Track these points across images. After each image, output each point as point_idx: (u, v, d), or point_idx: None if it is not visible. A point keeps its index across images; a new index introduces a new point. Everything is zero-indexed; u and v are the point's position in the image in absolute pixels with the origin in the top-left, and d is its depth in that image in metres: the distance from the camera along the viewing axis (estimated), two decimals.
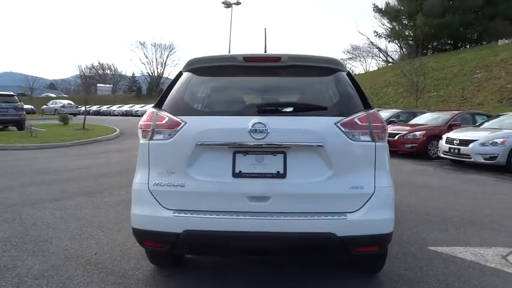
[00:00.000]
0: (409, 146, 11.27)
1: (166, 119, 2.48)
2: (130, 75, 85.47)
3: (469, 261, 3.44)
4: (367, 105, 2.54)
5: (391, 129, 12.14)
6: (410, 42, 41.60)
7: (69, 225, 4.29)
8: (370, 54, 47.60)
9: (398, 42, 44.29)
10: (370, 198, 2.38)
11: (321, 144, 2.36)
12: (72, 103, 39.80)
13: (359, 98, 2.57)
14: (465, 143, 9.36)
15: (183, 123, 2.43)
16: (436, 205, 5.58)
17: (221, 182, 2.36)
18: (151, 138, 2.48)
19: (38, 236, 3.90)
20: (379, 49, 46.25)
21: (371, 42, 45.10)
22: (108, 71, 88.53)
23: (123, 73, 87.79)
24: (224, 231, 2.30)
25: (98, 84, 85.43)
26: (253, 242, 2.33)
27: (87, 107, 22.27)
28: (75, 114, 31.32)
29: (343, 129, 2.39)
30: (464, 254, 3.62)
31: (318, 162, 2.38)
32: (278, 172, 2.36)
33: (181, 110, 2.52)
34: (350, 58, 47.56)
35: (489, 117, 11.82)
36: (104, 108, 51.87)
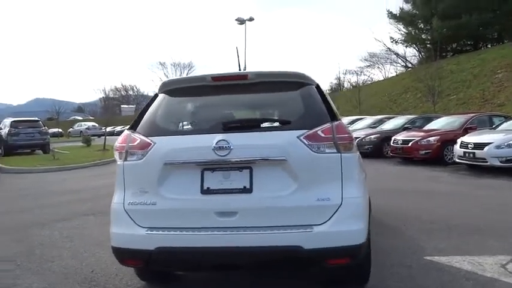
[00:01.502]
0: (423, 152, 11.05)
1: (138, 141, 2.59)
2: (152, 95, 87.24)
3: (465, 271, 3.35)
4: (333, 117, 2.57)
5: (404, 135, 11.98)
6: (428, 46, 40.90)
7: (73, 244, 4.45)
8: (388, 61, 47.03)
9: (416, 46, 43.56)
10: (337, 209, 2.39)
11: (283, 158, 2.41)
12: (97, 125, 41.05)
13: (326, 111, 2.59)
14: (480, 146, 9.10)
15: (152, 144, 2.53)
16: (442, 212, 5.46)
17: (190, 199, 2.44)
18: (125, 159, 2.60)
19: (42, 255, 4.07)
20: (397, 55, 45.63)
21: (388, 48, 44.56)
22: (131, 92, 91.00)
23: (145, 93, 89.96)
24: (194, 247, 2.36)
25: (122, 105, 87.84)
26: (223, 257, 2.38)
27: (112, 127, 22.99)
28: (99, 136, 32.28)
29: (306, 142, 2.42)
30: (461, 263, 3.53)
31: (283, 176, 2.42)
32: (244, 187, 2.41)
33: (153, 131, 2.62)
34: (368, 66, 47.08)
35: (506, 118, 11.48)
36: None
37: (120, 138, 2.70)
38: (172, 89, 2.85)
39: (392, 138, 12.24)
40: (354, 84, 45.91)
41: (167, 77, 77.85)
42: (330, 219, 2.37)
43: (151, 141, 2.55)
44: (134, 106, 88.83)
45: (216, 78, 2.72)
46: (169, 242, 2.39)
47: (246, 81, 2.70)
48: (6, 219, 5.76)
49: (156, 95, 2.90)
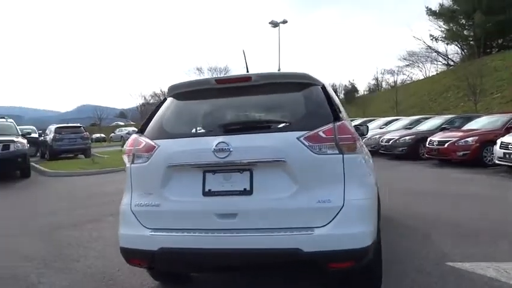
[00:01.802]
0: (460, 153, 10.54)
1: (144, 144, 2.66)
2: None
3: (488, 278, 3.18)
4: (337, 118, 2.52)
5: (440, 136, 11.50)
6: (471, 42, 39.01)
7: (99, 244, 4.64)
8: (428, 59, 45.27)
9: (458, 43, 41.65)
10: (339, 212, 2.33)
11: (283, 159, 2.39)
12: (136, 130, 42.38)
13: (329, 111, 2.55)
14: None
15: (156, 147, 2.60)
16: (472, 216, 5.20)
17: (192, 201, 2.48)
18: (132, 162, 2.69)
19: (70, 254, 4.28)
20: (438, 53, 43.81)
21: (428, 46, 42.88)
22: None
23: None
24: (196, 249, 2.39)
25: None
26: (223, 258, 2.40)
27: None
28: None
29: (307, 144, 2.38)
30: (485, 270, 3.35)
31: (283, 177, 2.40)
32: (245, 189, 2.42)
33: (158, 134, 2.70)
34: (407, 65, 45.54)
35: None
36: None
37: (128, 142, 2.79)
38: (179, 92, 2.92)
39: (428, 139, 11.77)
40: (392, 84, 44.71)
41: None
42: (331, 221, 2.31)
43: (155, 144, 2.62)
44: None
45: (220, 80, 2.76)
46: (171, 243, 2.44)
47: (249, 83, 2.72)
48: (41, 220, 6.09)
49: (164, 99, 2.98)
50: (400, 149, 12.95)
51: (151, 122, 2.82)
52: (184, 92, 2.91)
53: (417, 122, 15.49)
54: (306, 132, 2.41)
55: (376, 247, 2.64)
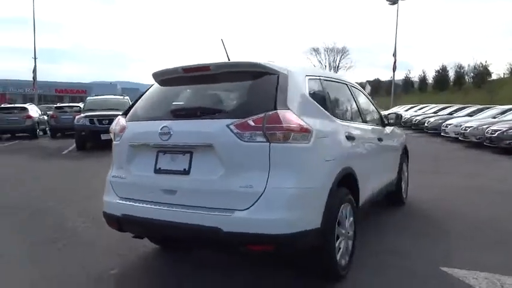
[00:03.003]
0: None
1: (120, 125, 3.12)
2: None
3: None
4: (282, 106, 2.59)
5: None
6: None
7: None
8: None
9: None
10: (259, 197, 2.46)
11: (211, 144, 2.59)
12: None
13: (273, 100, 2.62)
14: None
15: (126, 128, 3.04)
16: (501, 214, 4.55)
17: (146, 176, 2.87)
18: (114, 140, 3.18)
19: None
20: None
21: None
22: None
23: None
24: (145, 218, 2.79)
25: None
26: (163, 229, 2.76)
27: None
28: None
29: (235, 131, 2.53)
30: (479, 280, 3.04)
31: (215, 161, 2.60)
32: (184, 169, 2.70)
33: (131, 117, 3.13)
34: None
35: None
36: None
37: (113, 122, 3.28)
38: (158, 80, 3.28)
39: None
40: None
41: (320, 63, 78.55)
42: (251, 206, 2.46)
43: (126, 125, 3.07)
44: None
45: (186, 69, 3.03)
46: (129, 210, 2.89)
47: (209, 72, 2.94)
48: None
49: (152, 85, 3.39)
50: (508, 141, 11.30)
51: (134, 105, 3.27)
52: (161, 80, 3.26)
53: None
54: (236, 120, 2.56)
55: (321, 235, 2.70)
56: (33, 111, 19.25)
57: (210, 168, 2.62)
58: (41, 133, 19.36)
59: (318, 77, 3.35)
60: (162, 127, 2.77)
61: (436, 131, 17.39)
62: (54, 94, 50.55)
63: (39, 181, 7.69)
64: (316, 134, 2.74)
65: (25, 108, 18.57)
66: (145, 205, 2.82)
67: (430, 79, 51.41)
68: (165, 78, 3.23)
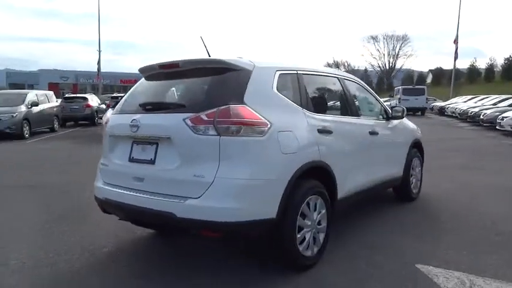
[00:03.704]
0: None
1: (107, 117, 3.45)
2: (363, 70, 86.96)
3: (437, 286, 2.86)
4: (238, 101, 2.73)
5: None
6: None
7: None
8: None
9: None
10: (209, 187, 2.63)
11: (169, 136, 2.82)
12: None
13: (230, 95, 2.77)
14: None
15: (109, 120, 3.35)
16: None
17: (123, 164, 3.15)
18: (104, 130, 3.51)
19: None
20: None
21: None
22: (342, 68, 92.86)
23: (355, 68, 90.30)
24: (119, 202, 3.09)
25: None
26: (133, 213, 3.02)
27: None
28: None
29: (190, 124, 2.72)
30: (450, 279, 2.97)
31: (173, 152, 2.82)
32: (151, 159, 2.95)
33: (115, 110, 3.44)
34: None
35: None
36: None
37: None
38: (145, 75, 3.54)
39: None
40: None
41: (379, 51, 75.52)
42: (202, 194, 2.65)
43: (110, 117, 3.37)
44: None
45: (160, 66, 3.28)
46: (109, 195, 3.20)
47: (178, 69, 3.16)
48: None
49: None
50: None
51: (121, 99, 3.57)
52: (146, 75, 3.53)
53: None
54: (192, 114, 2.75)
55: (277, 226, 2.82)
56: (93, 100, 21.02)
57: (170, 159, 2.84)
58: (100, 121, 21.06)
59: (294, 72, 3.40)
60: (132, 120, 3.05)
61: (492, 124, 16.17)
62: (119, 84, 53.93)
63: (79, 165, 8.43)
64: (275, 127, 2.83)
65: (85, 98, 20.31)
66: (120, 190, 3.11)
67: (498, 67, 47.46)
68: (148, 74, 3.49)
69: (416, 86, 31.39)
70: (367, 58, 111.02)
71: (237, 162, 2.68)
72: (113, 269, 3.24)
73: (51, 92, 18.09)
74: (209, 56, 3.48)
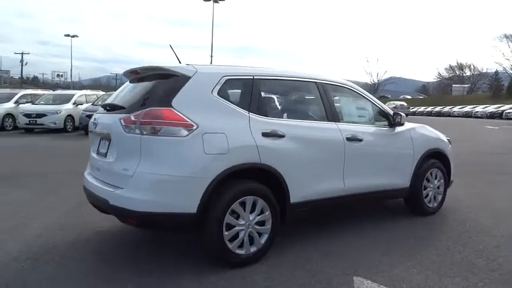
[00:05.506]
0: None
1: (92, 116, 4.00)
2: (493, 72, 76.90)
3: None
4: (167, 104, 3.01)
5: None
6: None
7: None
8: None
9: None
10: (130, 179, 2.99)
11: (109, 133, 3.27)
12: (405, 104, 42.33)
13: (161, 98, 3.08)
14: None
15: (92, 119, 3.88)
16: None
17: (93, 157, 3.68)
18: None
19: None
20: None
21: None
22: (468, 71, 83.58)
23: (483, 70, 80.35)
24: (87, 189, 3.58)
25: (454, 85, 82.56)
26: (91, 198, 3.50)
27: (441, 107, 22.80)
28: (406, 115, 33.18)
29: (123, 124, 3.10)
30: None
31: (113, 147, 3.26)
32: (105, 153, 3.39)
33: (98, 110, 3.98)
34: None
35: None
36: (446, 109, 51.31)
37: None
38: (128, 79, 3.94)
39: None
40: None
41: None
42: (126, 186, 3.02)
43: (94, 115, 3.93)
44: (467, 86, 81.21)
45: (129, 72, 3.73)
46: (85, 182, 3.67)
47: (138, 75, 3.61)
48: None
49: None
50: None
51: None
52: (128, 79, 3.94)
53: None
54: (125, 115, 3.15)
55: (198, 221, 3.01)
56: None
57: (112, 153, 3.30)
58: None
59: (250, 77, 3.50)
60: (94, 118, 3.63)
61: None
62: None
63: None
64: (201, 129, 3.03)
65: None
66: (89, 179, 3.64)
67: None
68: (128, 78, 3.99)
69: None
70: (498, 59, 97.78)
71: (156, 159, 2.98)
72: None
73: (102, 93, 19.44)
74: (180, 62, 3.81)
